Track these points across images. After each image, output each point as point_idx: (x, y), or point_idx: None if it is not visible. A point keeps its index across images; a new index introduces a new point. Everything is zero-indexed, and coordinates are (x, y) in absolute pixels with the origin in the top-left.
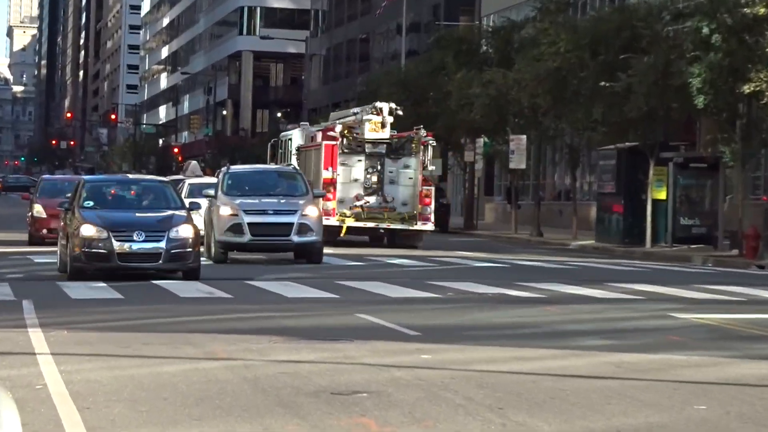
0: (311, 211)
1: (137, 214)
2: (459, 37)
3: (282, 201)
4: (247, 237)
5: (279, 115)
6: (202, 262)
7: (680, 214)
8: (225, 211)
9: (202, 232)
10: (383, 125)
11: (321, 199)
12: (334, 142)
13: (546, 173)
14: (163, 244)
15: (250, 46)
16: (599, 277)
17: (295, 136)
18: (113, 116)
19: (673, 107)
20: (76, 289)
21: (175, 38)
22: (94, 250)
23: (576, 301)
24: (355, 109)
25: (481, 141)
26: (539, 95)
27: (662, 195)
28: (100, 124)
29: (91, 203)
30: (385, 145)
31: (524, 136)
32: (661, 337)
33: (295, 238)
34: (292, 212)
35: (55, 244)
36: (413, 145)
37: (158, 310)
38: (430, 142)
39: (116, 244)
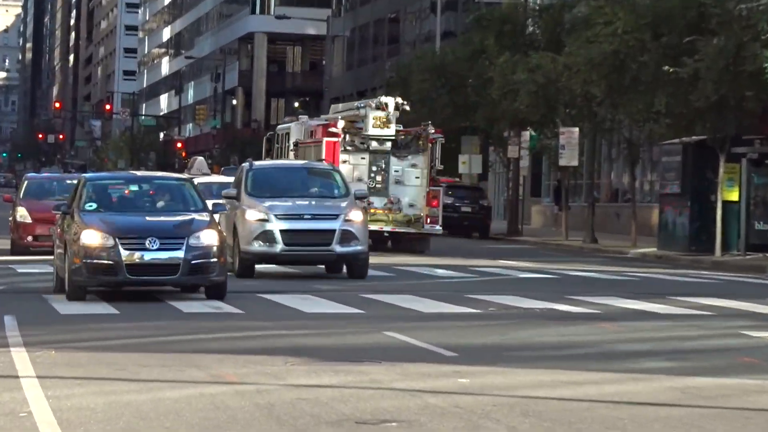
0: (356, 216)
1: (150, 218)
2: (501, 17)
3: (320, 203)
4: (279, 247)
5: (296, 105)
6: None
7: (755, 217)
8: (252, 215)
9: None
10: (388, 121)
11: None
12: (335, 139)
13: (601, 171)
14: (181, 254)
15: (264, 26)
16: (662, 290)
17: (293, 130)
18: (108, 106)
19: (746, 96)
20: (66, 304)
21: (179, 18)
22: (97, 261)
23: (635, 317)
24: (358, 103)
25: (526, 134)
26: (593, 82)
27: (734, 196)
28: (93, 115)
29: (94, 205)
30: (390, 143)
31: (576, 129)
32: (733, 359)
33: (337, 248)
34: (333, 217)
35: (41, 252)
36: (420, 143)
37: (158, 327)
38: (439, 139)
39: (125, 254)
